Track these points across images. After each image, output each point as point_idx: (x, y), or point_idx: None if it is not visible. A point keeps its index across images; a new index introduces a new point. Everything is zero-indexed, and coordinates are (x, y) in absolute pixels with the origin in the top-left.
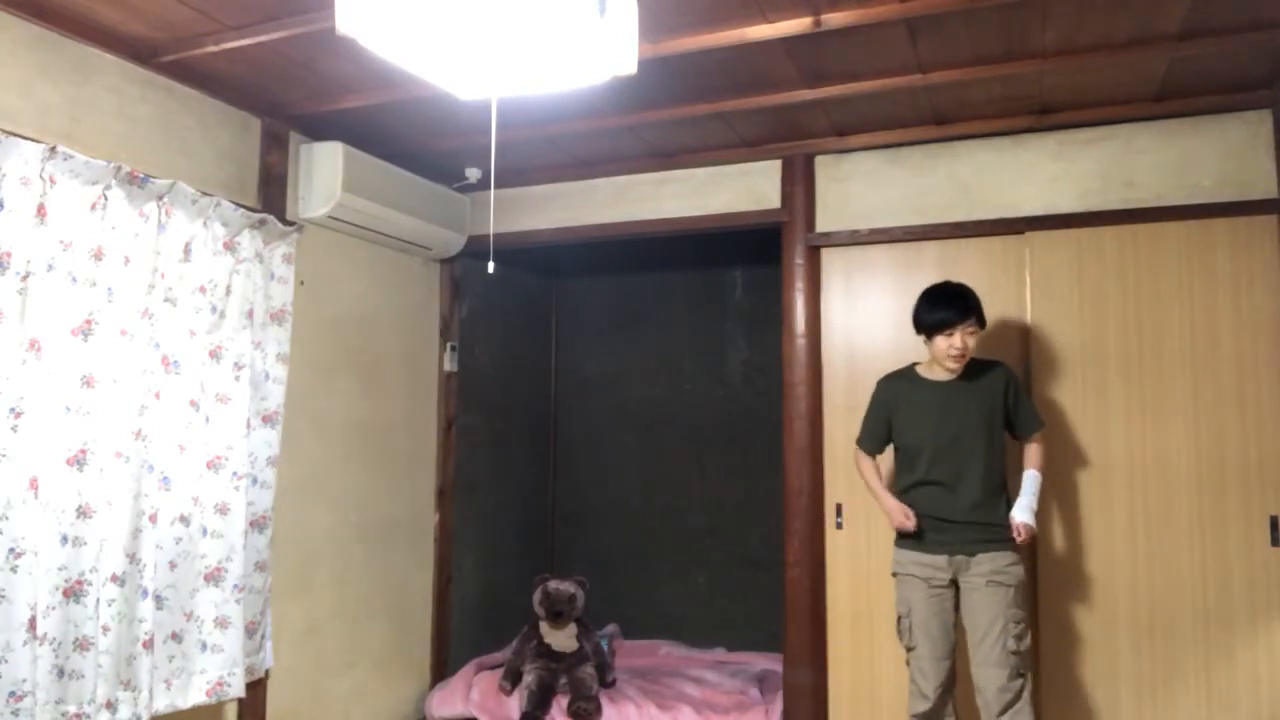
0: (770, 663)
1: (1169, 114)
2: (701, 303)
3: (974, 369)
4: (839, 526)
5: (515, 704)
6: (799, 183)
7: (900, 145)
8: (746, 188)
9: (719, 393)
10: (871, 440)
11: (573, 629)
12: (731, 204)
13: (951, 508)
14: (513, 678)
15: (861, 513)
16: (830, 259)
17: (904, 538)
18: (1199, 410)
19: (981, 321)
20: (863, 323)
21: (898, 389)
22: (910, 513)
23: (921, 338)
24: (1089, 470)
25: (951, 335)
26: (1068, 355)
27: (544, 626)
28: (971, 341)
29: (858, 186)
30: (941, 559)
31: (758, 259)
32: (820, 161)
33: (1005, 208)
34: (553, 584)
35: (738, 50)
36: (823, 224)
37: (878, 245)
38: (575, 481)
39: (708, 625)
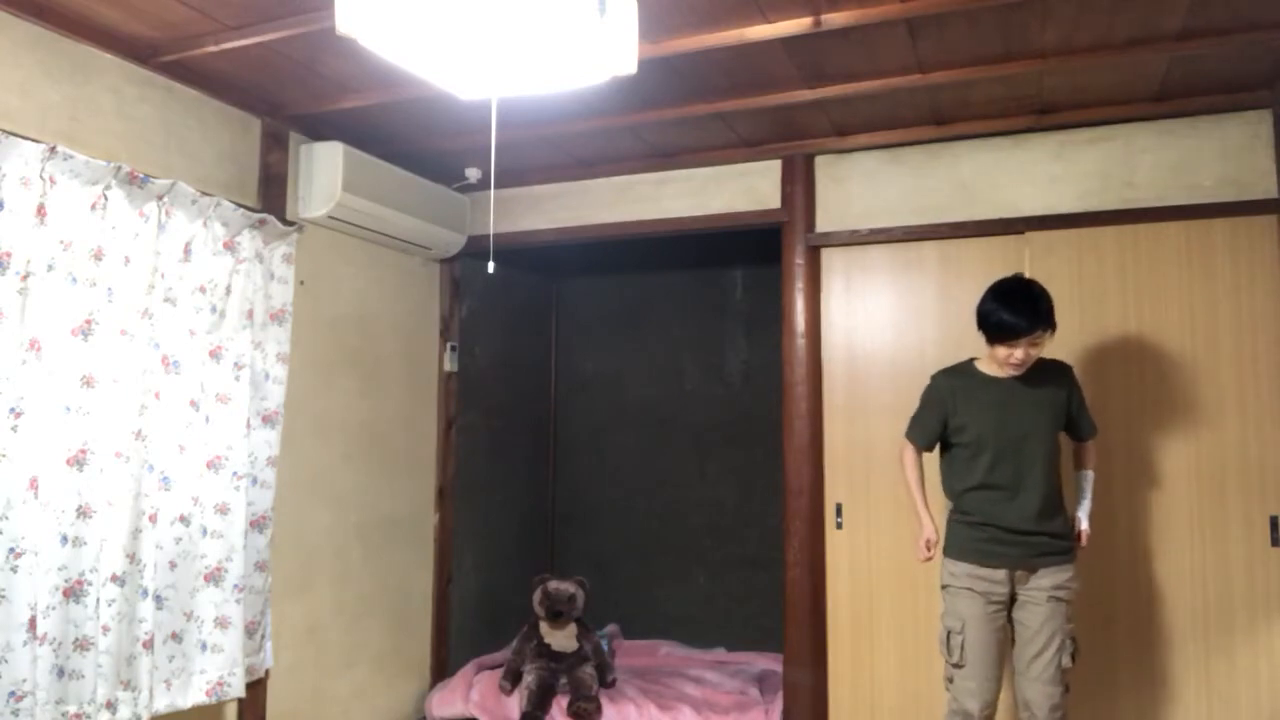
0: (770, 663)
1: (1169, 114)
2: (701, 303)
3: (1037, 367)
4: (839, 526)
5: (515, 704)
6: (799, 183)
7: (900, 145)
8: (746, 188)
9: (719, 393)
10: (923, 434)
11: (573, 629)
12: (731, 204)
13: (1014, 516)
14: (513, 678)
15: (861, 513)
16: (830, 259)
17: (958, 548)
18: (1199, 410)
19: (1052, 328)
20: (863, 323)
21: (956, 385)
22: (934, 546)
23: (982, 336)
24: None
25: (1015, 345)
26: (1067, 356)
27: (544, 626)
28: (1035, 353)
29: (858, 186)
30: (1001, 573)
31: (758, 259)
32: (820, 161)
33: (1005, 208)
34: (553, 584)
35: (738, 50)
36: (823, 224)
37: (878, 245)
38: (575, 482)
39: (708, 625)
